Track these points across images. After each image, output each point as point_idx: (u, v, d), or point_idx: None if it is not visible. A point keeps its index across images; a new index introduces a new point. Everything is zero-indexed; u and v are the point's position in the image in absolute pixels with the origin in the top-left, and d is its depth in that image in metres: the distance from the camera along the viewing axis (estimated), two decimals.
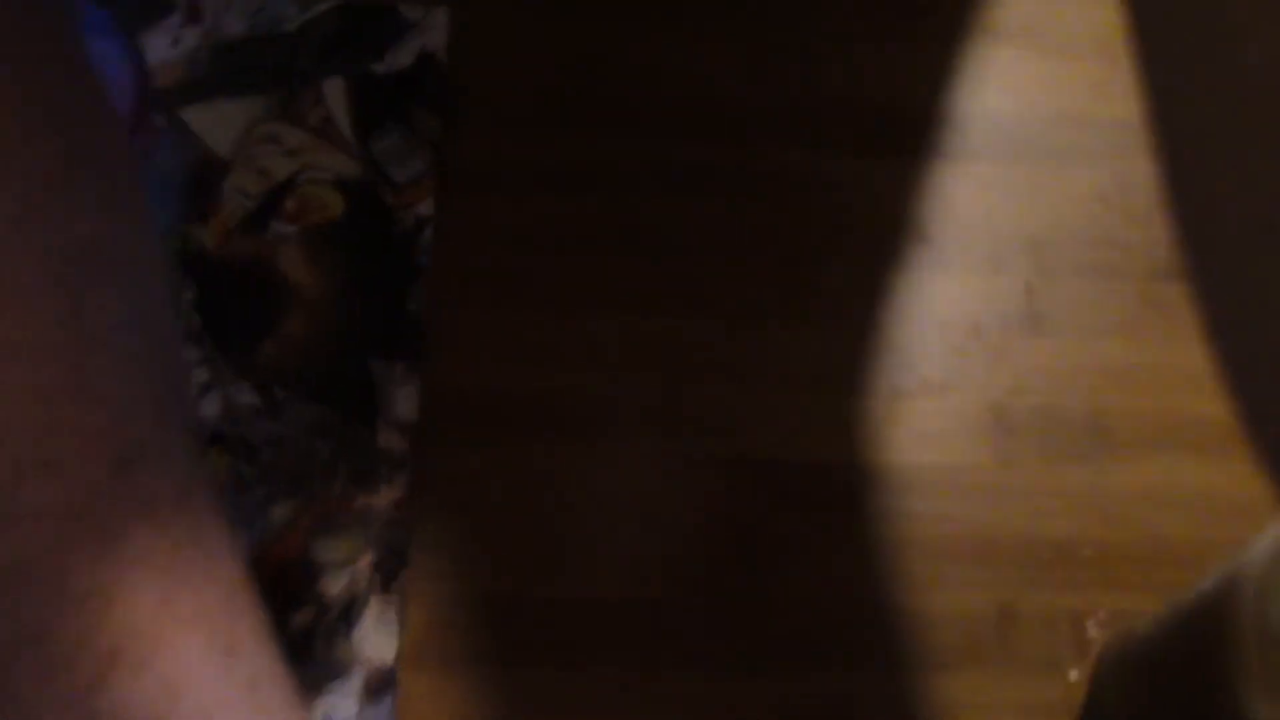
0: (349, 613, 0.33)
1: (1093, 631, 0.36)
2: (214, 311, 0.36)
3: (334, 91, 0.40)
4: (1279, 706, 0.25)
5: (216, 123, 0.39)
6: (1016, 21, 0.44)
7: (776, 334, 0.38)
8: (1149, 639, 0.32)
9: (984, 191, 0.41)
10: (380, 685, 0.33)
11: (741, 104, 0.41)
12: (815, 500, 0.37)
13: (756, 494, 0.36)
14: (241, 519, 0.34)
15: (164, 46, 0.40)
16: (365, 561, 0.34)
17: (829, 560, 0.36)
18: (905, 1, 0.43)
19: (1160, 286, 0.40)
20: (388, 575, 0.34)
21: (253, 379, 0.36)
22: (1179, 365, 0.39)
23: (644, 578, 0.35)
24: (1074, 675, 0.35)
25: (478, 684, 0.34)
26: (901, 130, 0.42)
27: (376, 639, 0.33)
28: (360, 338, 0.36)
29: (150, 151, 0.38)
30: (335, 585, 0.34)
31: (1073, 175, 0.42)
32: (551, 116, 0.40)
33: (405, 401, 0.36)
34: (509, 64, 0.41)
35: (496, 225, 0.39)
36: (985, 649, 0.36)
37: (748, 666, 0.35)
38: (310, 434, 0.35)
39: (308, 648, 0.33)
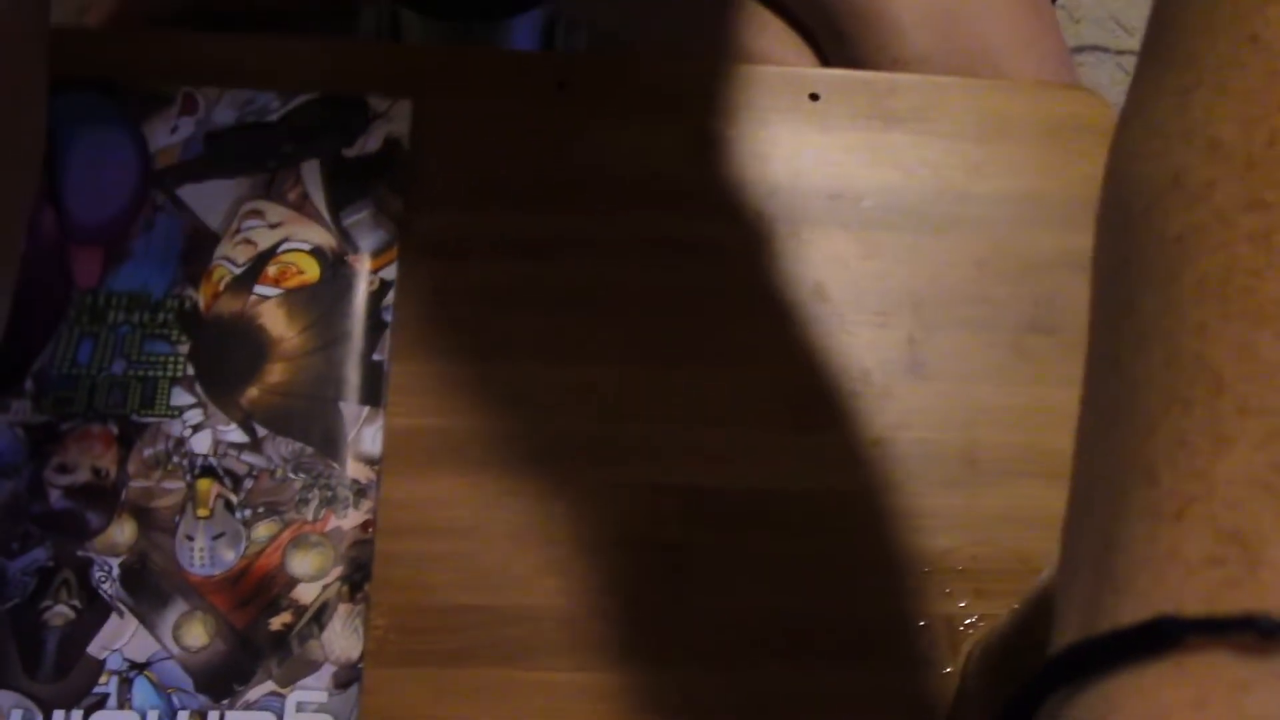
0: (320, 617, 0.39)
1: (963, 632, 0.41)
2: (205, 361, 0.42)
3: (311, 173, 0.46)
4: None
5: (208, 199, 0.45)
6: (909, 108, 0.51)
7: (696, 378, 0.44)
8: (1000, 635, 0.38)
9: (876, 256, 0.48)
10: (346, 678, 0.38)
11: (666, 182, 0.48)
12: (725, 521, 0.42)
13: (675, 515, 0.42)
14: (227, 538, 0.40)
15: (164, 133, 0.46)
16: (335, 574, 0.39)
17: (735, 572, 0.42)
18: (805, 99, 0.50)
19: (1027, 338, 0.47)
20: (354, 586, 0.39)
21: (239, 419, 0.41)
22: (1042, 406, 0.45)
23: (574, 587, 0.41)
24: (948, 669, 0.41)
25: (430, 680, 0.39)
26: (807, 205, 0.48)
27: (343, 640, 0.39)
28: (332, 384, 0.42)
29: (152, 223, 0.44)
30: (309, 594, 0.39)
31: (954, 242, 0.48)
32: (498, 193, 0.47)
33: (370, 439, 0.41)
34: (462, 148, 0.47)
35: (450, 287, 0.45)
36: (872, 648, 0.41)
37: (664, 664, 0.40)
38: (288, 466, 0.41)
39: (285, 645, 0.38)
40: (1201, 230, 0.22)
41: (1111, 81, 1.02)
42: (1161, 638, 0.18)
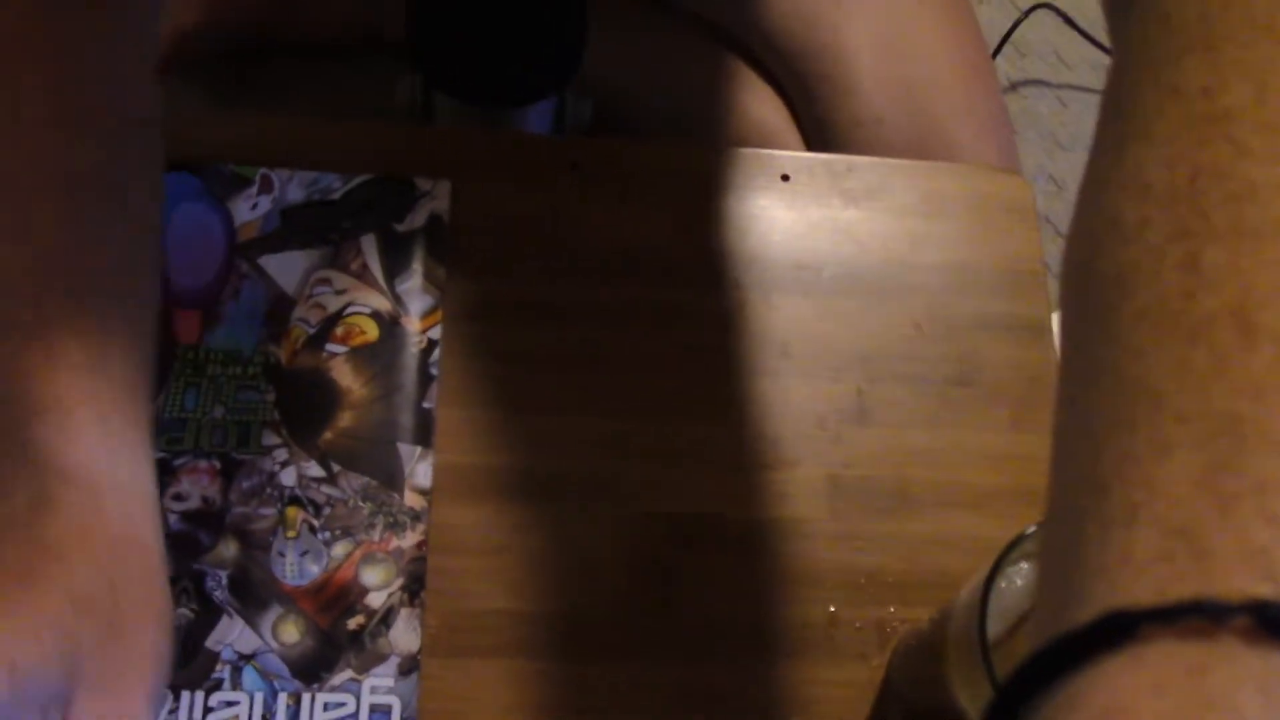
0: (387, 619, 0.49)
1: (890, 633, 0.52)
2: (289, 409, 0.52)
3: (369, 245, 0.55)
4: (968, 692, 0.42)
5: (285, 268, 0.54)
6: (863, 188, 0.61)
7: (681, 426, 0.55)
8: (919, 637, 0.49)
9: (831, 319, 0.58)
10: (409, 667, 0.49)
11: (660, 254, 0.58)
12: (705, 542, 0.53)
13: (664, 538, 0.53)
14: (312, 555, 0.50)
15: (245, 210, 0.55)
16: (397, 584, 0.50)
17: (713, 583, 0.52)
18: (778, 179, 0.60)
19: (951, 390, 0.57)
20: (412, 594, 0.50)
21: (317, 457, 0.51)
22: (961, 447, 0.56)
23: (586, 595, 0.51)
24: (876, 663, 0.52)
25: (473, 669, 0.50)
26: (777, 274, 0.58)
27: (406, 637, 0.49)
28: (391, 427, 0.52)
29: (239, 289, 0.54)
30: (377, 600, 0.49)
31: (896, 307, 0.59)
32: (527, 264, 0.56)
33: (423, 473, 0.52)
34: (493, 222, 0.57)
35: (487, 346, 0.55)
36: (818, 644, 0.52)
37: (657, 657, 0.51)
38: (358, 496, 0.51)
39: (360, 642, 0.49)
40: (1136, 265, 0.23)
41: (1050, 112, 1.12)
42: (1117, 632, 0.19)
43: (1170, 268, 0.22)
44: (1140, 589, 0.19)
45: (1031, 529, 0.44)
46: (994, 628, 0.42)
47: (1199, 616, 0.18)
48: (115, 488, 0.37)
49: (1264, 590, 0.19)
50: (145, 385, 0.40)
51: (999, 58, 1.11)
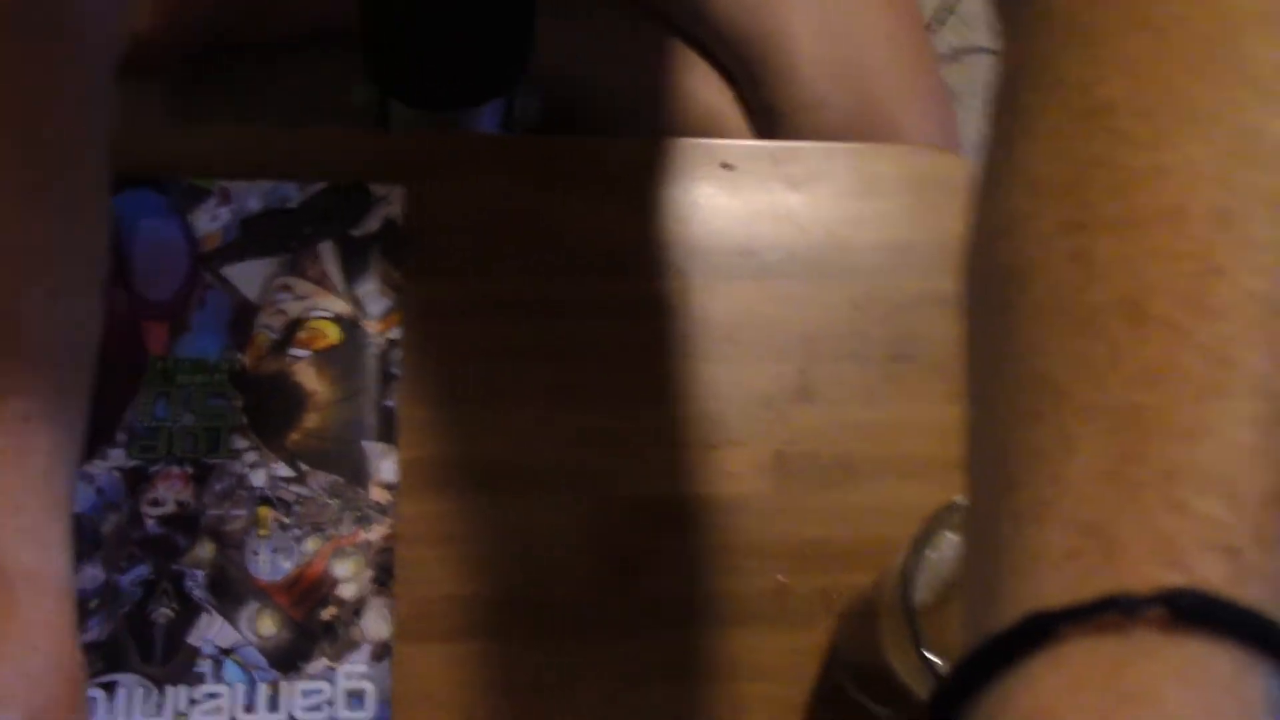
0: (358, 608, 0.52)
1: (835, 599, 0.55)
2: (256, 412, 0.54)
3: (326, 251, 0.58)
4: (899, 655, 0.45)
5: (247, 276, 0.57)
6: (804, 173, 0.63)
7: (632, 412, 0.57)
8: (858, 603, 0.52)
9: (774, 302, 0.60)
10: (380, 654, 0.52)
11: (608, 246, 0.60)
12: (659, 522, 0.56)
13: (619, 519, 0.56)
14: (284, 551, 0.52)
15: (206, 221, 0.57)
16: (367, 576, 0.53)
17: (668, 560, 0.55)
18: (719, 168, 0.62)
19: (892, 366, 0.60)
20: (381, 584, 0.53)
21: (285, 458, 0.54)
22: (902, 419, 0.59)
23: (546, 577, 0.54)
24: (823, 628, 0.55)
25: (441, 652, 0.53)
26: (721, 261, 0.61)
27: (377, 625, 0.52)
28: (356, 427, 0.55)
29: (204, 300, 0.56)
30: (348, 591, 0.52)
31: (837, 287, 0.61)
32: (476, 263, 0.59)
33: (388, 469, 0.54)
34: (445, 224, 0.59)
35: (444, 343, 0.57)
36: (768, 612, 0.55)
37: (615, 633, 0.54)
38: (326, 493, 0.54)
39: (333, 631, 0.52)
40: (1030, 258, 0.23)
41: (992, 80, 1.13)
42: (1037, 633, 0.19)
43: (1062, 260, 0.23)
44: (1055, 587, 0.20)
45: (959, 499, 0.46)
46: (923, 595, 0.45)
47: (1113, 611, 0.19)
48: (28, 580, 0.38)
49: (1174, 579, 0.19)
50: (66, 469, 0.41)
51: (944, 28, 1.12)
